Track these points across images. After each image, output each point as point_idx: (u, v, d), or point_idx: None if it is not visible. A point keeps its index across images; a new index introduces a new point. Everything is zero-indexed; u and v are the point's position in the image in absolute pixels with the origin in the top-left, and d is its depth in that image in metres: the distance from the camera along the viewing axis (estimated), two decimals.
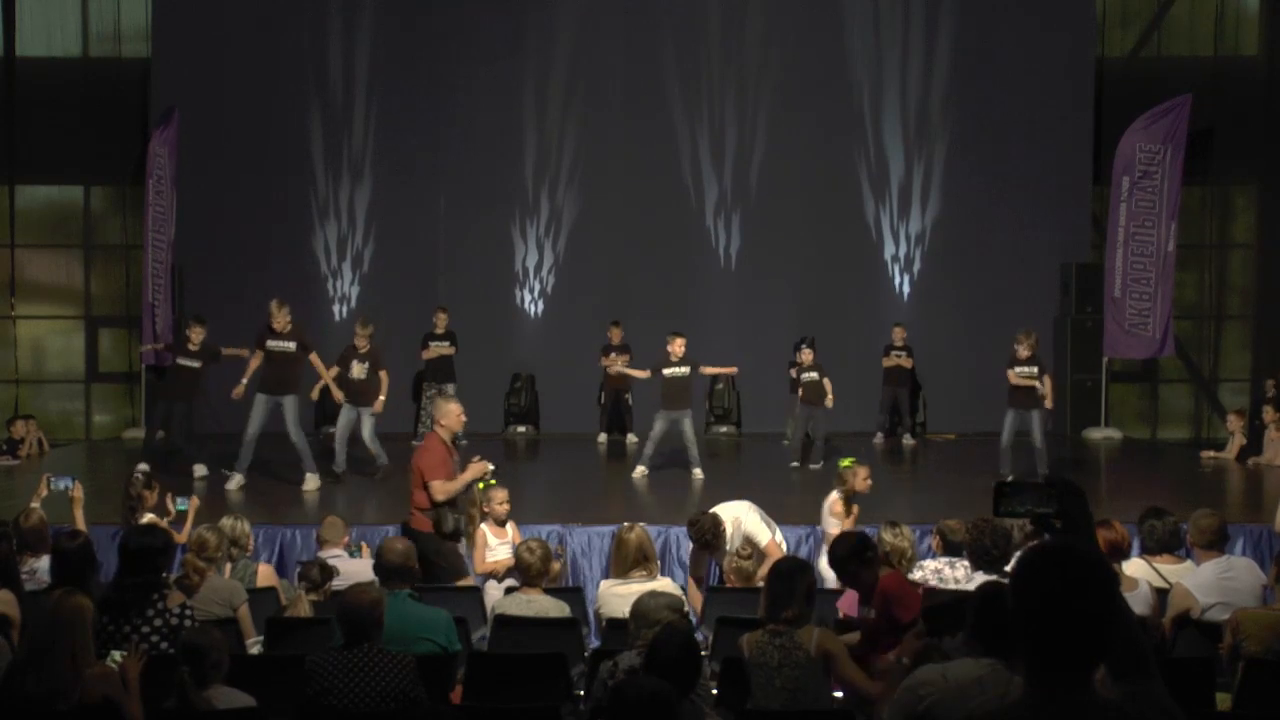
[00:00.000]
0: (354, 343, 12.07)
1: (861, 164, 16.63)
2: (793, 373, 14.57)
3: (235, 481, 11.04)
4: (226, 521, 7.17)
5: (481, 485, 7.86)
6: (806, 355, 13.08)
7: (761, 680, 4.87)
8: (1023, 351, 11.69)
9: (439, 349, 14.74)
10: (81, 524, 7.39)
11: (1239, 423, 13.76)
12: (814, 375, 12.97)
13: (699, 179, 16.63)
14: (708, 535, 7.28)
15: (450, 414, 8.08)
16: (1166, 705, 2.32)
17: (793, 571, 5.10)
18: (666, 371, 12.13)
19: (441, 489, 7.68)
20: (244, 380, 11.29)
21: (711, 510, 7.47)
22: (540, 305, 16.71)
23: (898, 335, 15.10)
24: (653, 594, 5.30)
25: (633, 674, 4.47)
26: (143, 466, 11.21)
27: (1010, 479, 2.58)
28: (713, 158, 16.64)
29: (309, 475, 11.23)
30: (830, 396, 12.89)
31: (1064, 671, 2.22)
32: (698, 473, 11.87)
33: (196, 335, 12.08)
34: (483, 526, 7.65)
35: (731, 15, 16.55)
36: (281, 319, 11.08)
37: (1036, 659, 2.24)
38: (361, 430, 11.97)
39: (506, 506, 7.76)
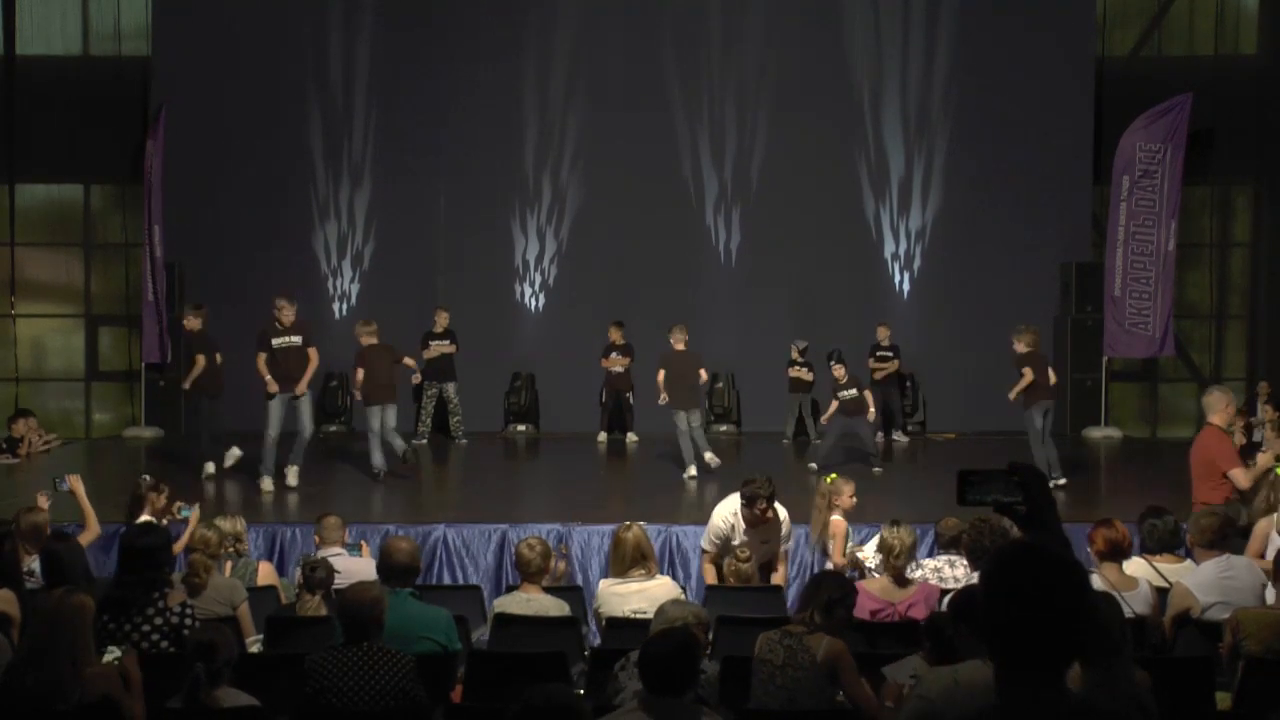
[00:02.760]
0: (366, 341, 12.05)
1: (861, 163, 16.63)
2: (793, 371, 14.57)
3: (266, 483, 10.93)
4: (223, 521, 7.19)
5: (830, 479, 7.89)
6: (839, 371, 12.58)
7: (764, 677, 4.89)
8: (1020, 347, 11.51)
9: (439, 348, 14.75)
10: (91, 516, 7.43)
11: (1240, 422, 13.75)
12: (853, 392, 12.48)
13: (699, 176, 16.63)
14: (765, 490, 7.30)
15: (1222, 404, 8.44)
16: (1134, 691, 2.32)
17: (820, 581, 5.17)
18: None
19: (1244, 477, 7.94)
20: (267, 376, 11.03)
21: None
22: (541, 299, 16.69)
23: (883, 335, 14.94)
24: (677, 602, 5.33)
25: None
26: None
27: (973, 468, 2.54)
28: (713, 155, 16.63)
29: (293, 470, 11.08)
30: (872, 410, 12.61)
31: (1036, 672, 2.20)
32: (692, 470, 11.92)
33: (191, 323, 11.98)
34: (837, 517, 7.73)
35: (732, 12, 16.54)
36: (290, 314, 11.00)
37: (1008, 660, 2.23)
38: (388, 424, 11.85)
39: (854, 500, 7.94)
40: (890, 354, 14.89)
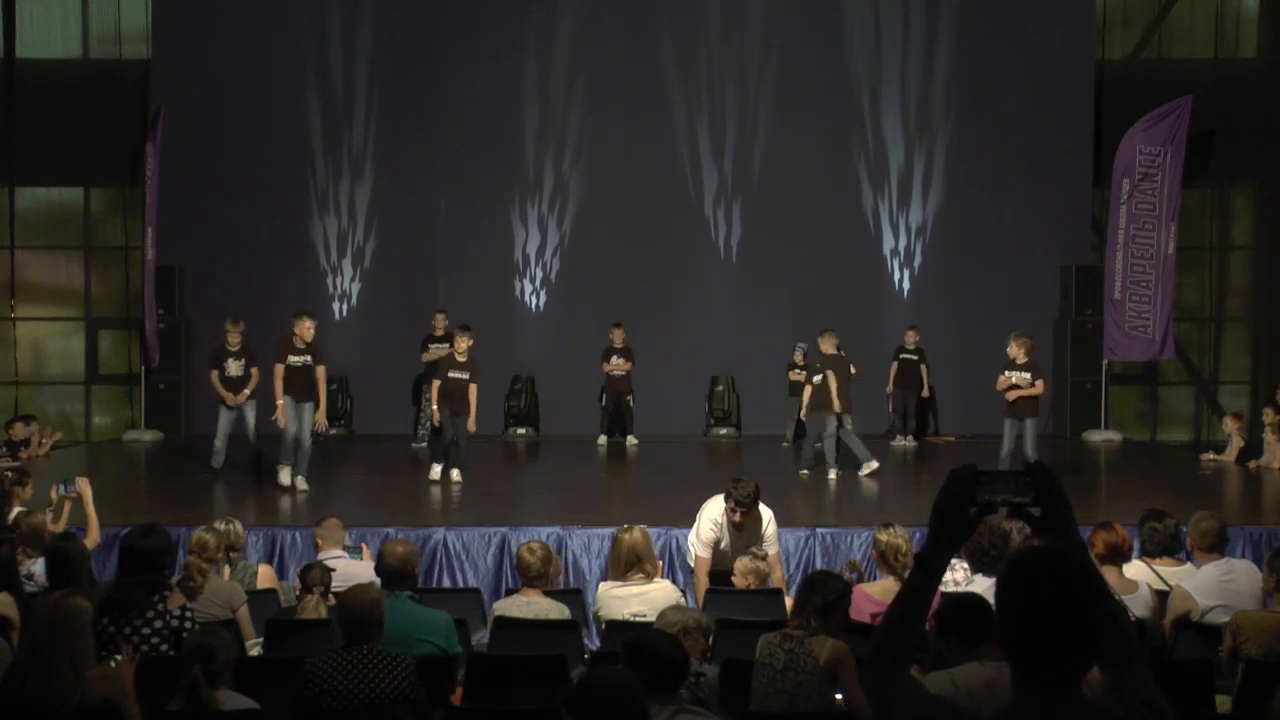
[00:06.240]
0: (228, 340, 12.34)
1: (861, 163, 16.64)
2: (794, 374, 14.54)
3: (295, 479, 11.06)
4: (220, 524, 7.18)
5: None
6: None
7: (764, 680, 4.88)
8: (1014, 353, 11.34)
9: (439, 351, 14.72)
10: (94, 523, 7.45)
11: (1235, 425, 13.75)
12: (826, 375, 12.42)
13: (698, 172, 16.63)
14: (746, 490, 7.33)
15: None
16: (1150, 696, 2.30)
17: (812, 583, 5.15)
18: (817, 379, 12.27)
19: None
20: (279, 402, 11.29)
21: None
22: (542, 296, 16.68)
23: (910, 339, 15.08)
24: (678, 608, 5.31)
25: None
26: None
27: (984, 469, 2.50)
28: (713, 150, 16.64)
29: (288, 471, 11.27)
30: (837, 402, 12.43)
31: (1053, 677, 2.19)
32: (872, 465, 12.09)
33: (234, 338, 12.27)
34: None
35: (731, 8, 16.56)
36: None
37: (1024, 666, 2.22)
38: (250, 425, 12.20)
39: None
40: (916, 356, 14.94)
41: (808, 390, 12.60)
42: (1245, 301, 17.42)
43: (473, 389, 11.80)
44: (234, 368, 12.22)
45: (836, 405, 12.15)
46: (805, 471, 12.37)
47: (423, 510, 10.82)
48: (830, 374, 12.17)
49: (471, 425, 11.81)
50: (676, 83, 16.53)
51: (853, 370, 12.56)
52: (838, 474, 11.94)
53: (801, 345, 14.56)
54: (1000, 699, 2.94)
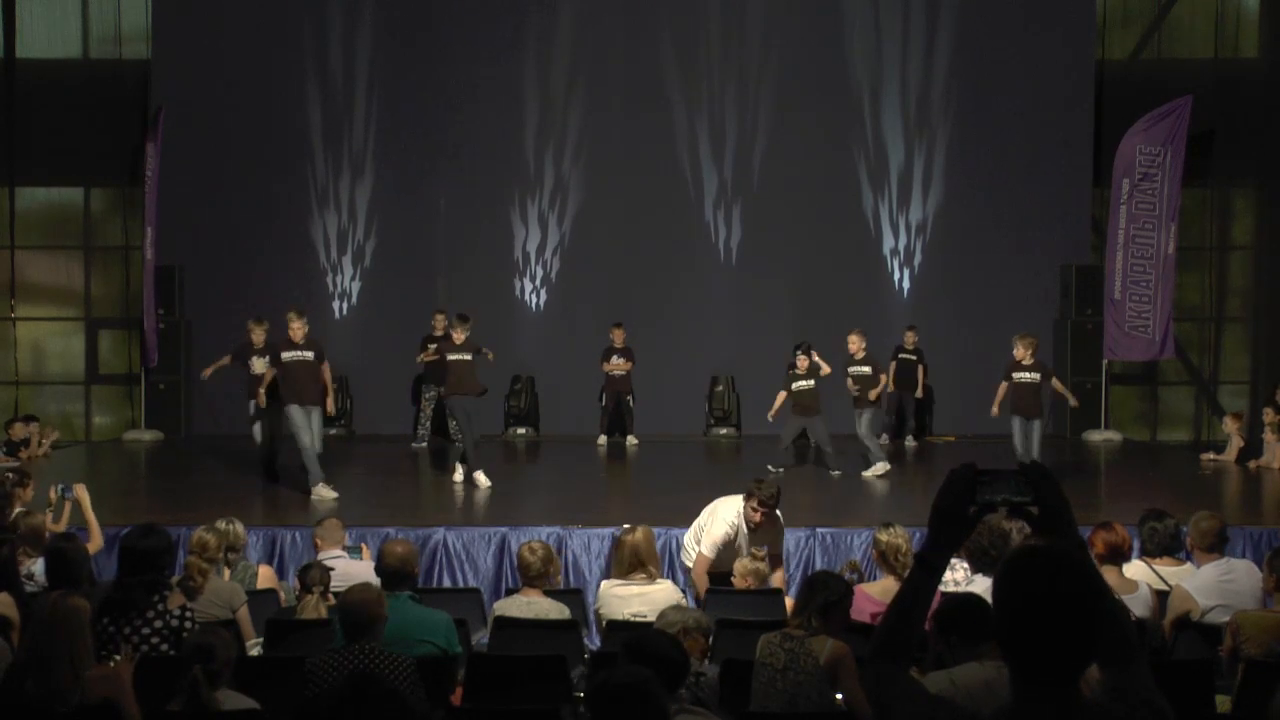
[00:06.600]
0: (253, 339, 12.11)
1: (861, 163, 16.64)
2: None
3: (327, 491, 10.71)
4: (221, 524, 7.18)
5: None
6: (803, 362, 12.40)
7: (764, 680, 4.88)
8: (1020, 354, 11.37)
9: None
10: (95, 527, 7.45)
11: (1235, 425, 13.75)
12: (809, 384, 12.34)
13: (698, 172, 16.62)
14: (774, 498, 7.37)
15: None
16: (1151, 696, 2.30)
17: (813, 583, 5.15)
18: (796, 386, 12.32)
19: None
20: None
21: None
22: (542, 295, 16.67)
23: (909, 339, 15.10)
24: (678, 607, 5.30)
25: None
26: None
27: (984, 468, 2.50)
28: (713, 151, 16.64)
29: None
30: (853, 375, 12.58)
31: (1052, 677, 2.19)
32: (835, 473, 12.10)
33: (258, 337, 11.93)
34: None
35: (731, 8, 16.56)
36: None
37: (1022, 665, 2.22)
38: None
39: None
40: (914, 356, 14.96)
41: (781, 395, 12.51)
42: (1245, 301, 17.42)
43: (486, 355, 11.99)
44: (259, 365, 11.93)
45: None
46: (781, 469, 12.25)
47: (423, 510, 10.82)
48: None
49: (490, 357, 12.22)
50: (676, 83, 16.53)
51: (824, 371, 12.55)
52: (885, 467, 12.13)
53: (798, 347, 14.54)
54: (1000, 699, 2.93)
